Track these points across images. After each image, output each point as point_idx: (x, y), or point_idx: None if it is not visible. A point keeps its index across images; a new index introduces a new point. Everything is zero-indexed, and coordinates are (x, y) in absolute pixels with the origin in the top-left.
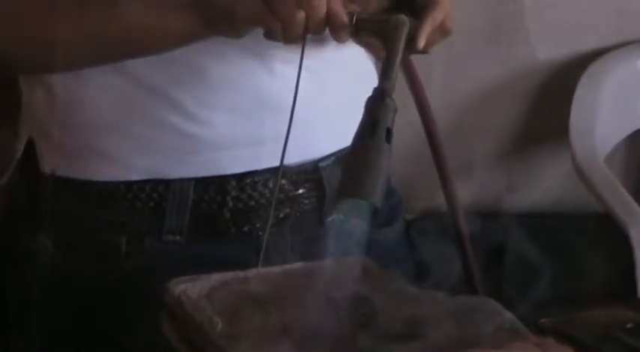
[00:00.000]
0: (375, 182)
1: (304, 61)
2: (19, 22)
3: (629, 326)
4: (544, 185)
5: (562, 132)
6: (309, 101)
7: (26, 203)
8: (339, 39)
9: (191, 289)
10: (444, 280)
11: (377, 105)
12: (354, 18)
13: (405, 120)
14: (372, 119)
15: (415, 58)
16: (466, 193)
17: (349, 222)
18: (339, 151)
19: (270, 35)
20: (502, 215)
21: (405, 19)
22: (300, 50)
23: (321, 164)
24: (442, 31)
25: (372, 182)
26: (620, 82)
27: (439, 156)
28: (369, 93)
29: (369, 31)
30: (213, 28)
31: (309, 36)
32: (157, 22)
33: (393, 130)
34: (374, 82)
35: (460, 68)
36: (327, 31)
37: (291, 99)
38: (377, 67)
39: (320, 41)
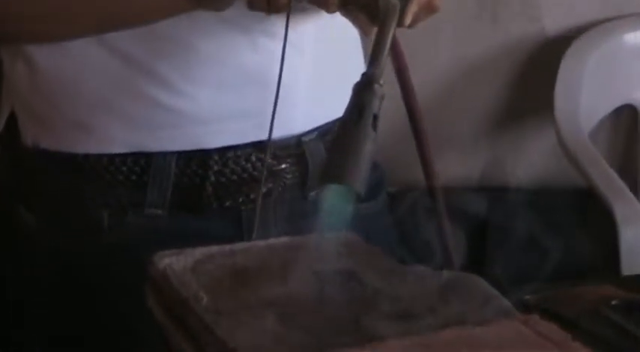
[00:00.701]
0: (359, 168)
1: (289, 35)
2: None
3: (614, 303)
4: (528, 160)
5: (547, 107)
6: (292, 75)
7: (8, 176)
8: (328, 9)
9: (176, 263)
10: (428, 254)
11: (364, 91)
12: None
13: (388, 94)
14: (358, 105)
15: (400, 33)
16: (451, 168)
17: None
18: (322, 126)
19: (253, 5)
20: (486, 190)
21: (396, 3)
22: (284, 23)
23: (303, 139)
24: (429, 8)
25: (355, 168)
26: (604, 57)
27: (419, 132)
28: (354, 68)
29: (357, 5)
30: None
31: (293, 9)
32: None
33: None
34: (359, 57)
35: (445, 44)
36: (310, 4)
37: (275, 74)
38: (363, 42)
39: (304, 14)
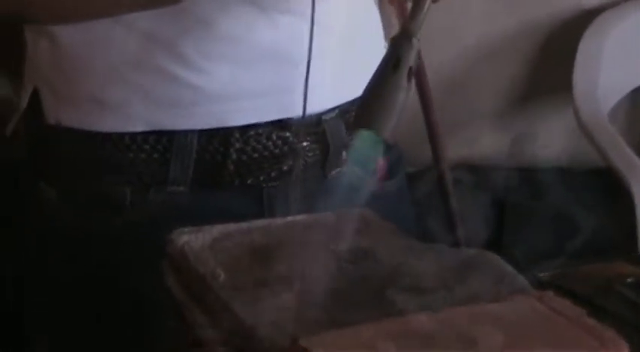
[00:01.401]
0: (390, 117)
1: (306, 12)
2: None
3: (629, 280)
4: (548, 140)
5: (566, 87)
6: (313, 53)
7: (31, 154)
8: None
9: (194, 240)
10: (446, 233)
11: (402, 43)
12: None
13: None
14: (395, 56)
15: None
16: (470, 148)
17: (353, 174)
18: (343, 105)
19: None
20: (506, 169)
21: None
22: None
23: (324, 117)
24: None
25: (386, 116)
26: (624, 37)
27: (429, 114)
28: (376, 47)
29: None
30: None
31: None
32: None
33: None
34: (380, 36)
35: (464, 23)
36: None
37: (294, 52)
38: (382, 13)
39: None
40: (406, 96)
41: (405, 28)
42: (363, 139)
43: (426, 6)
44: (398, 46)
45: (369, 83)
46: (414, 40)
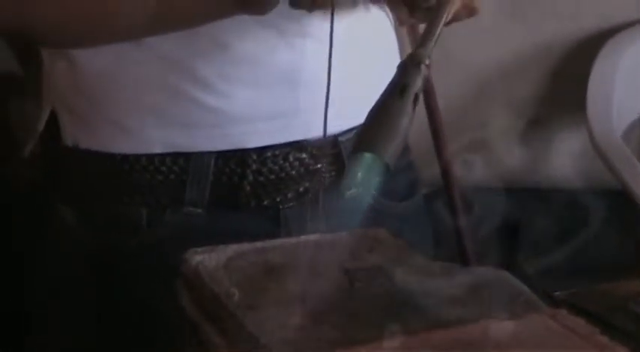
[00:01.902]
0: (393, 141)
1: (323, 35)
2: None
3: None
4: (561, 160)
5: (580, 107)
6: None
7: (48, 175)
8: None
9: (208, 260)
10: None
11: (409, 69)
12: None
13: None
14: (402, 81)
15: None
16: (482, 168)
17: (366, 193)
18: (359, 126)
19: (296, 3)
20: (519, 190)
21: None
22: (320, 23)
23: (340, 138)
24: (469, 10)
25: (389, 140)
26: (638, 58)
27: (438, 135)
28: (391, 68)
29: None
30: (241, 2)
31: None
32: (184, 1)
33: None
34: (396, 57)
35: (479, 43)
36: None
37: (311, 73)
38: (397, 34)
39: (340, 11)
40: (410, 121)
41: (414, 54)
42: (364, 162)
43: (437, 32)
44: (405, 71)
45: (374, 107)
46: (422, 66)
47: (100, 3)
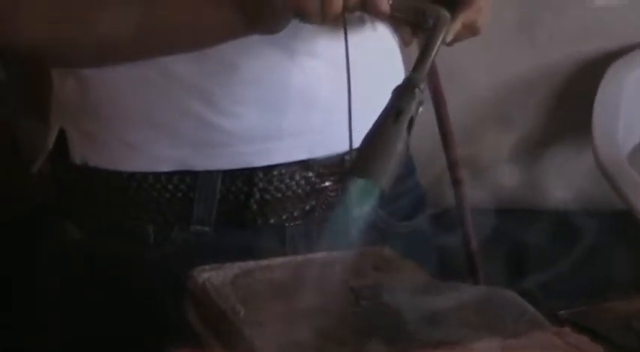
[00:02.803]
0: (388, 167)
1: (330, 55)
2: (58, 19)
3: None
4: (567, 182)
5: (585, 129)
6: (334, 94)
7: (57, 193)
8: (379, 15)
9: (215, 277)
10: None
11: (404, 93)
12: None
13: (425, 119)
14: (397, 106)
15: (439, 53)
16: (488, 189)
17: (360, 217)
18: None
19: (305, 16)
20: (524, 212)
21: (447, 15)
22: (327, 43)
23: (346, 157)
24: (472, 30)
25: (384, 166)
26: None
27: (451, 154)
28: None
29: (405, 15)
30: (253, 22)
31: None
32: (196, 21)
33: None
34: (400, 76)
35: (484, 64)
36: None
37: (320, 93)
38: (403, 54)
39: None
40: (405, 146)
41: (409, 78)
42: (359, 188)
43: (432, 55)
44: (400, 96)
45: (369, 131)
46: (417, 91)
47: (115, 22)
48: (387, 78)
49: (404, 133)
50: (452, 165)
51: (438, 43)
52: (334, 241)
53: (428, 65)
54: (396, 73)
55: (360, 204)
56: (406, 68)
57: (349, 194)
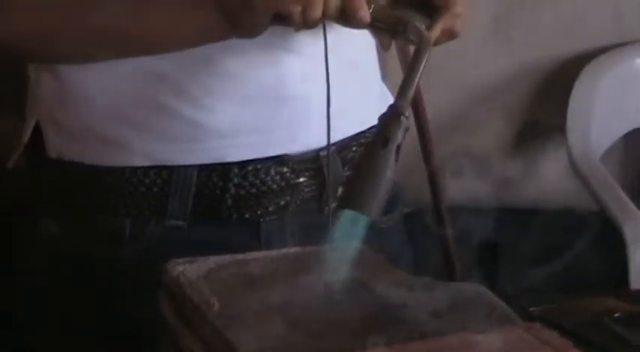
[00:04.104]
0: (377, 196)
1: (305, 50)
2: (38, 16)
3: (617, 315)
4: (540, 181)
5: (559, 130)
6: (311, 92)
7: (32, 187)
8: (358, 26)
9: (189, 270)
10: (439, 271)
11: (390, 122)
12: (372, 7)
13: None
14: (384, 135)
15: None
16: (462, 188)
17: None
18: (339, 141)
19: (287, 20)
20: (499, 211)
21: (429, 36)
22: (306, 39)
23: (321, 153)
24: (450, 33)
25: (374, 196)
26: (618, 81)
27: (428, 153)
28: (370, 84)
29: (385, 24)
30: (232, 26)
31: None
32: (176, 23)
33: None
34: (376, 73)
35: (460, 64)
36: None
37: (295, 88)
38: (380, 56)
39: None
40: (393, 172)
41: (394, 106)
42: (348, 218)
43: (416, 82)
44: (386, 124)
45: (358, 161)
46: (402, 118)
47: (96, 21)
48: (361, 75)
49: (392, 161)
50: (428, 162)
51: (421, 68)
52: (328, 268)
53: (412, 91)
54: (370, 70)
55: (350, 234)
56: (382, 65)
57: (340, 224)
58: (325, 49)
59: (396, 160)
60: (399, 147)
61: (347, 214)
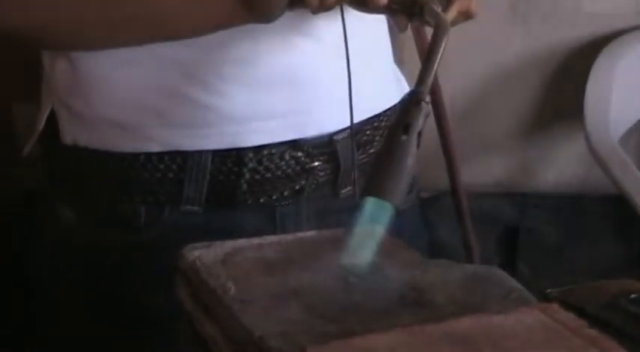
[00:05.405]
0: (400, 184)
1: (320, 34)
2: (53, 2)
3: (633, 296)
4: (559, 166)
5: (577, 113)
6: (325, 74)
7: (49, 174)
8: (375, 9)
9: (205, 255)
10: (455, 255)
11: (411, 108)
12: None
13: None
14: (405, 122)
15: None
16: (482, 173)
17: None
18: (354, 125)
19: (303, 7)
20: (517, 195)
21: (447, 20)
22: (321, 23)
23: (335, 137)
24: (466, 14)
25: (396, 184)
26: (635, 64)
27: (445, 137)
28: (385, 68)
29: (400, 7)
30: (250, 11)
31: (335, 8)
32: (193, 8)
33: None
34: (389, 57)
35: (477, 49)
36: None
37: (311, 73)
38: (393, 37)
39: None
40: (415, 160)
41: (415, 92)
42: (372, 206)
43: (435, 67)
44: (407, 111)
45: (380, 148)
46: (423, 104)
47: (111, 6)
48: (373, 58)
49: (413, 148)
50: (446, 149)
51: (440, 53)
52: (352, 258)
53: (432, 77)
54: (383, 53)
55: (375, 222)
56: (394, 49)
57: (364, 212)
58: (344, 32)
59: (418, 146)
60: (420, 134)
61: (370, 201)
